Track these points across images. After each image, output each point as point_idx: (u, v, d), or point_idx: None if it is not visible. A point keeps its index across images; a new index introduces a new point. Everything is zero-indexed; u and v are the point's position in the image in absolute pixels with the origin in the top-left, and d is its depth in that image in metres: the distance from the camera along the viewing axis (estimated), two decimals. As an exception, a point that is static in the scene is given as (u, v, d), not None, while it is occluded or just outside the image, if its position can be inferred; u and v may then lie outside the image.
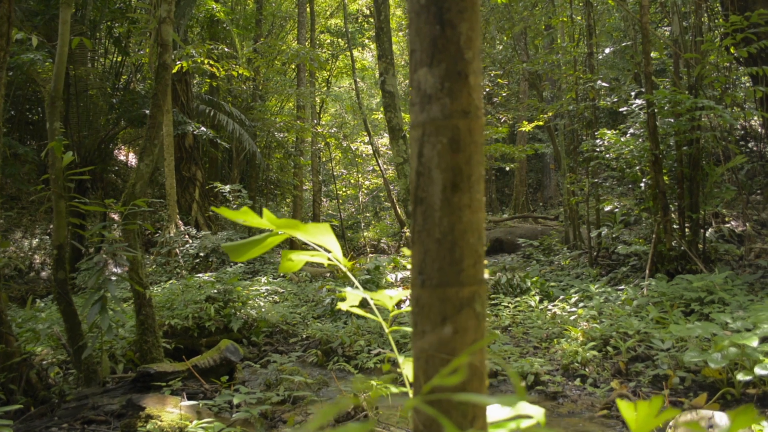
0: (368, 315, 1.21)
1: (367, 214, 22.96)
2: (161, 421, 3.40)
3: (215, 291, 5.64)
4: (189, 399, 3.79)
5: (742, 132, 14.01)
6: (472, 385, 0.80)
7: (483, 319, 0.82)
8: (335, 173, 19.89)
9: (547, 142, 18.01)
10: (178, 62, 9.28)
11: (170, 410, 3.49)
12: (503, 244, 14.81)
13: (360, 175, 20.93)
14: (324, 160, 20.41)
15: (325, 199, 22.70)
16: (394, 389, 3.51)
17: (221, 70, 9.53)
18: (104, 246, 4.18)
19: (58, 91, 4.05)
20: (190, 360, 4.27)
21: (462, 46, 0.81)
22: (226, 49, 9.70)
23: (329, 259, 1.26)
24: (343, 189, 22.51)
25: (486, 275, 0.83)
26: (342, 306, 1.35)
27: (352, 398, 3.44)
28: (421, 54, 0.82)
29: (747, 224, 8.18)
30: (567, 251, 9.01)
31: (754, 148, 13.03)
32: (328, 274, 8.63)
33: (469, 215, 0.80)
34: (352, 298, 1.32)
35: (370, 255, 15.62)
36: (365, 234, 17.57)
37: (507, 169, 16.88)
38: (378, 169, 15.99)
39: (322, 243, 1.18)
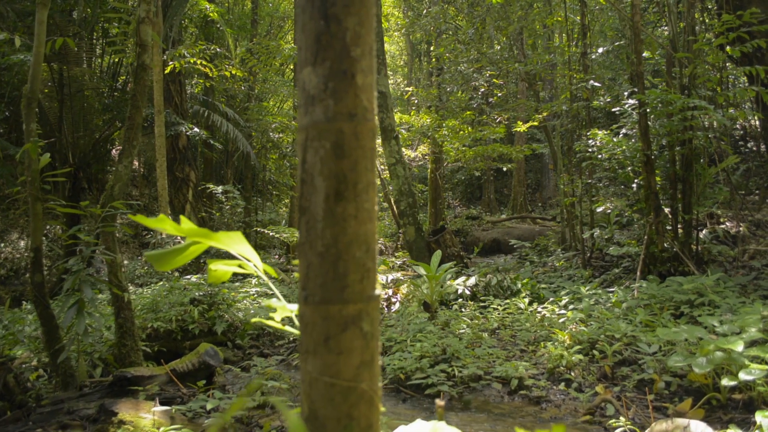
0: (286, 328, 1.15)
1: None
2: (134, 427, 3.35)
3: (200, 293, 5.59)
4: (166, 404, 3.74)
5: (742, 132, 13.89)
6: (359, 412, 0.74)
7: (373, 339, 0.76)
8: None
9: (545, 142, 17.91)
10: (171, 63, 9.24)
11: (143, 415, 3.43)
12: (500, 244, 14.74)
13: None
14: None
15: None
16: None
17: (214, 70, 9.49)
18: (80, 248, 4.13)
19: (35, 92, 4.00)
20: (169, 364, 4.21)
21: (348, 42, 0.74)
22: (218, 50, 9.64)
23: (254, 269, 1.20)
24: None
25: (377, 291, 0.77)
26: (274, 320, 1.28)
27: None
28: (305, 52, 0.76)
29: (742, 225, 8.09)
30: (560, 252, 8.93)
31: (754, 148, 12.92)
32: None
33: (354, 226, 0.74)
34: (281, 310, 1.27)
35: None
36: (362, 234, 17.49)
37: (504, 169, 16.79)
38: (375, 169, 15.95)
39: (238, 251, 1.12)
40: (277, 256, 13.43)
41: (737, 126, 14.33)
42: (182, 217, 1.21)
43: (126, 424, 3.36)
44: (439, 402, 0.97)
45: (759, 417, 2.44)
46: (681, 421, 2.49)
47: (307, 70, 0.75)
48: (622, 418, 3.15)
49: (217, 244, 1.10)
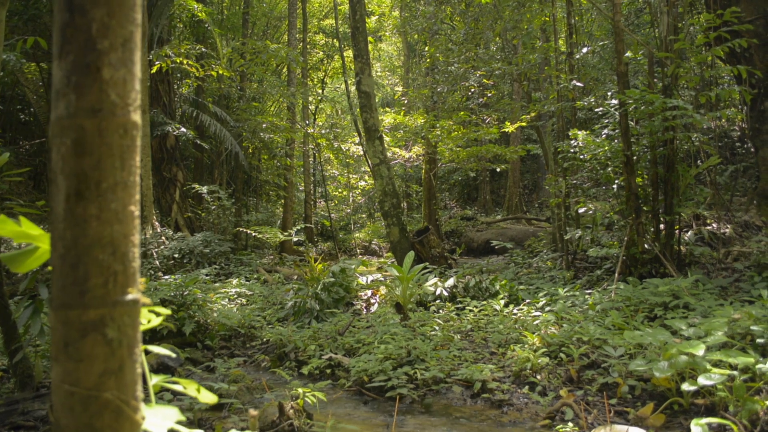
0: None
1: (362, 215, 22.87)
2: (81, 428, 3.33)
3: (172, 294, 5.56)
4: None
5: (740, 133, 13.77)
6: (103, 422, 0.71)
7: (121, 347, 0.72)
8: (326, 174, 19.81)
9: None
10: (156, 62, 9.24)
11: (92, 417, 3.41)
12: (494, 245, 14.68)
13: (355, 176, 20.85)
14: (320, 161, 20.35)
15: (321, 200, 22.64)
16: (321, 396, 3.39)
17: (200, 70, 9.48)
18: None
19: (-7, 91, 3.98)
20: (128, 365, 4.19)
21: (94, 35, 0.71)
22: (203, 50, 9.63)
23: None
24: (338, 191, 22.43)
25: (132, 296, 0.73)
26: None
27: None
28: (54, 46, 0.73)
29: (729, 226, 8.00)
30: (545, 254, 8.87)
31: (752, 150, 12.79)
32: (295, 276, 8.54)
33: (97, 228, 0.70)
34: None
35: (360, 256, 15.53)
36: (356, 235, 17.48)
37: (498, 170, 16.73)
38: (369, 169, 15.93)
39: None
40: (271, 256, 13.42)
41: (735, 127, 14.21)
42: (22, 219, 1.18)
43: (74, 425, 3.34)
44: (252, 412, 0.94)
45: (694, 426, 2.39)
46: (620, 428, 2.44)
47: (54, 64, 0.72)
48: (570, 423, 3.10)
49: (45, 244, 1.07)
